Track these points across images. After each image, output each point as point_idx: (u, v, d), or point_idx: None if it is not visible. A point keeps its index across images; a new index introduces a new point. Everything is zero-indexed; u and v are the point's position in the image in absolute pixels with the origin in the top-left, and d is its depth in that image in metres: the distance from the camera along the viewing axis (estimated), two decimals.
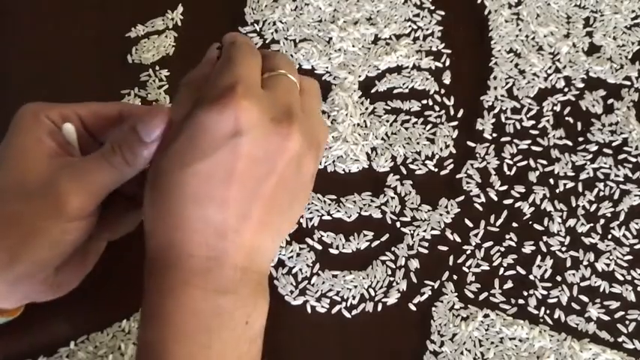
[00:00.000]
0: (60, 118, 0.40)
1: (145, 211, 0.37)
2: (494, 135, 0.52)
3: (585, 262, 0.47)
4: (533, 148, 0.51)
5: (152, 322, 0.35)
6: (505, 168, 0.51)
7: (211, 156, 0.34)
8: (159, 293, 0.35)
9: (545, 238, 0.48)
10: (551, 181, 0.50)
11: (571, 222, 0.49)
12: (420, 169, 0.51)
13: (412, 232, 0.48)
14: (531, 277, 0.47)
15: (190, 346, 0.34)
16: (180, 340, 0.34)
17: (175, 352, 0.33)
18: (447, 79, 0.54)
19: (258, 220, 0.36)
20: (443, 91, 0.54)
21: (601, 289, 0.47)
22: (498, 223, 0.49)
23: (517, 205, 0.49)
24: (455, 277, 0.47)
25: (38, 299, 0.41)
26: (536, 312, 0.46)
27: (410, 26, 0.57)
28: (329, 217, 0.49)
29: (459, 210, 0.49)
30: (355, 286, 0.46)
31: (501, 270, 0.47)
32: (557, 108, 0.53)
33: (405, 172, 0.51)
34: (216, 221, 0.35)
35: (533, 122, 0.52)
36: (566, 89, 0.54)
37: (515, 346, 0.45)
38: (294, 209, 0.39)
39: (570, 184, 0.50)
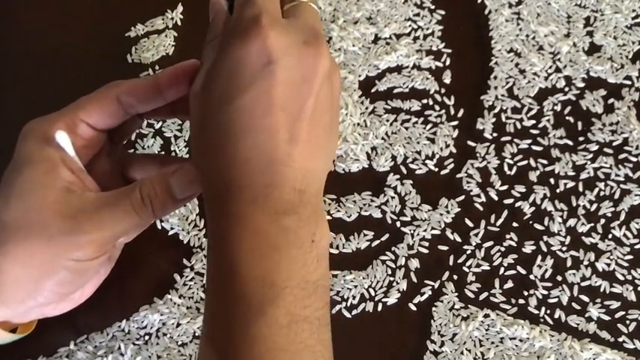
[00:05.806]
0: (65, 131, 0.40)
1: (195, 155, 0.38)
2: (495, 134, 0.52)
3: (586, 262, 0.47)
4: (534, 147, 0.51)
5: (221, 248, 0.35)
6: (505, 167, 0.51)
7: (250, 89, 0.35)
8: (225, 222, 0.35)
9: (545, 238, 0.48)
10: (552, 180, 0.50)
11: (571, 222, 0.49)
12: (420, 168, 0.51)
13: (412, 231, 0.48)
14: (532, 276, 0.47)
15: (260, 266, 0.34)
16: (250, 261, 0.34)
17: (247, 273, 0.34)
18: (447, 78, 0.54)
19: (306, 142, 0.36)
20: (443, 91, 0.54)
21: (601, 289, 0.47)
22: (499, 222, 0.49)
23: (517, 204, 0.49)
24: (455, 276, 0.47)
25: (54, 314, 0.42)
26: (536, 312, 0.46)
27: (410, 25, 0.56)
28: (329, 217, 0.49)
29: (459, 210, 0.49)
30: (355, 286, 0.46)
31: (502, 270, 0.47)
32: (558, 107, 0.53)
33: (405, 171, 0.50)
34: (269, 149, 0.35)
35: (533, 122, 0.52)
36: (566, 89, 0.54)
37: (516, 346, 0.45)
38: (334, 128, 0.39)
39: (571, 184, 0.50)
